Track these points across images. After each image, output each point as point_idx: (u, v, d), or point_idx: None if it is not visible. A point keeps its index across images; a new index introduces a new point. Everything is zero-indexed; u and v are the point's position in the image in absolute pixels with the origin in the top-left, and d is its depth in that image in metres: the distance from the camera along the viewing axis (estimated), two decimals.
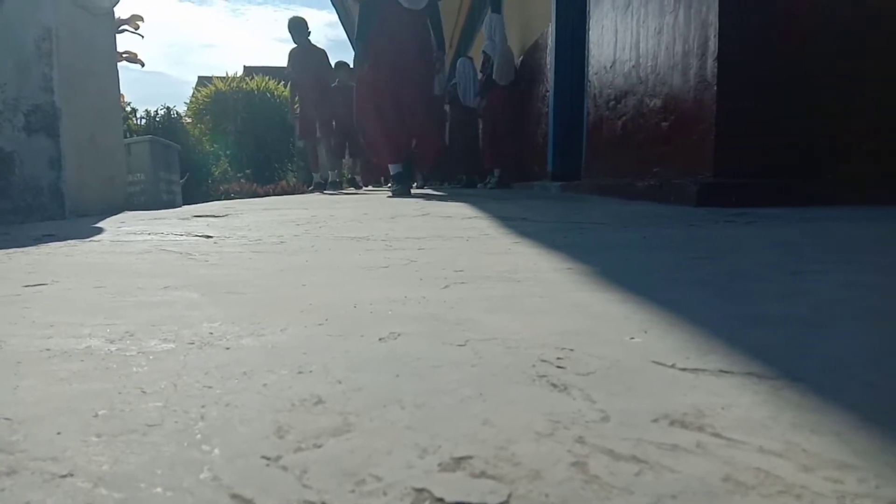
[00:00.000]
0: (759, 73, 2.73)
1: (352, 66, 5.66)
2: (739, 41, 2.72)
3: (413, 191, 5.52)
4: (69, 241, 1.89)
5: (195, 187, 5.92)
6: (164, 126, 6.00)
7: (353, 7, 11.19)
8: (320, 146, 8.13)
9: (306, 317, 0.88)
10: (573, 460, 0.44)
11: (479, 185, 7.79)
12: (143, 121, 6.01)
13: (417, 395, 0.57)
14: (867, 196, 2.55)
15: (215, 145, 7.99)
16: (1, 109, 3.02)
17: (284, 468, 0.44)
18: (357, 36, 5.00)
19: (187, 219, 2.67)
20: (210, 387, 0.60)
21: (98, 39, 3.57)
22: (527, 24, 7.06)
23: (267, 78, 8.87)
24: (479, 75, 7.41)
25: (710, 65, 2.76)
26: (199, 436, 0.49)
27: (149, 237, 1.99)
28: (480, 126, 8.02)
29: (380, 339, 0.76)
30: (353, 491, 0.41)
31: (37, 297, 1.06)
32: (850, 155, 2.75)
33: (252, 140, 8.19)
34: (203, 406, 0.55)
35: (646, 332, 0.77)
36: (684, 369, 0.63)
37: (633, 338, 0.74)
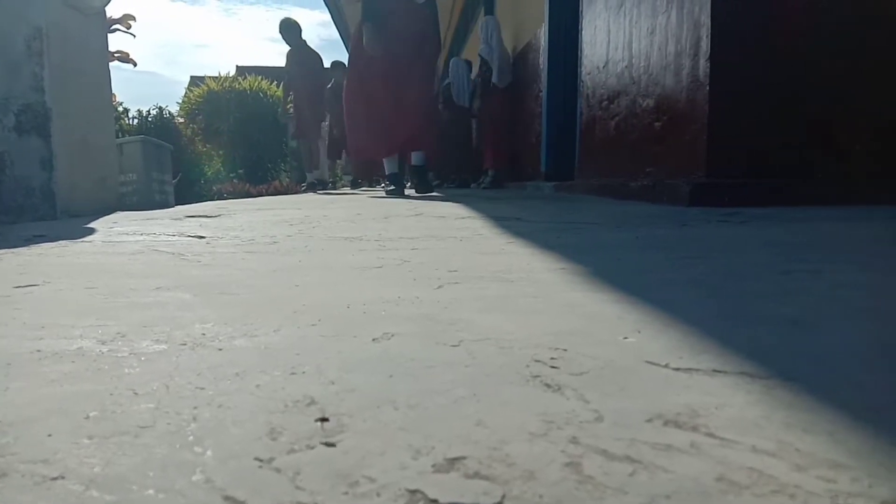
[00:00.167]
0: (751, 74, 2.74)
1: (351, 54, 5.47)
2: (731, 41, 2.72)
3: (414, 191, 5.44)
4: (60, 242, 1.88)
5: (188, 187, 5.90)
6: (156, 126, 5.97)
7: (347, 6, 11.19)
8: (315, 146, 8.13)
9: (299, 317, 0.87)
10: (567, 461, 0.44)
11: (472, 186, 7.80)
12: (136, 121, 5.98)
13: (411, 396, 0.57)
14: (859, 196, 2.57)
15: (208, 145, 7.96)
16: None
17: (277, 470, 0.43)
18: (364, 16, 4.77)
19: (180, 219, 2.66)
20: (202, 388, 0.60)
21: (89, 39, 3.56)
22: (520, 25, 7.07)
23: (260, 78, 8.84)
24: (477, 78, 7.42)
25: (703, 65, 2.77)
26: (191, 437, 0.49)
27: (141, 238, 1.98)
28: (475, 126, 8.03)
29: (373, 340, 0.76)
30: (346, 493, 0.40)
31: (28, 298, 1.05)
32: (842, 155, 2.76)
33: (245, 140, 8.17)
34: (195, 407, 0.55)
35: (639, 331, 0.77)
36: (678, 369, 0.63)
37: (626, 338, 0.74)
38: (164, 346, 0.74)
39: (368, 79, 4.83)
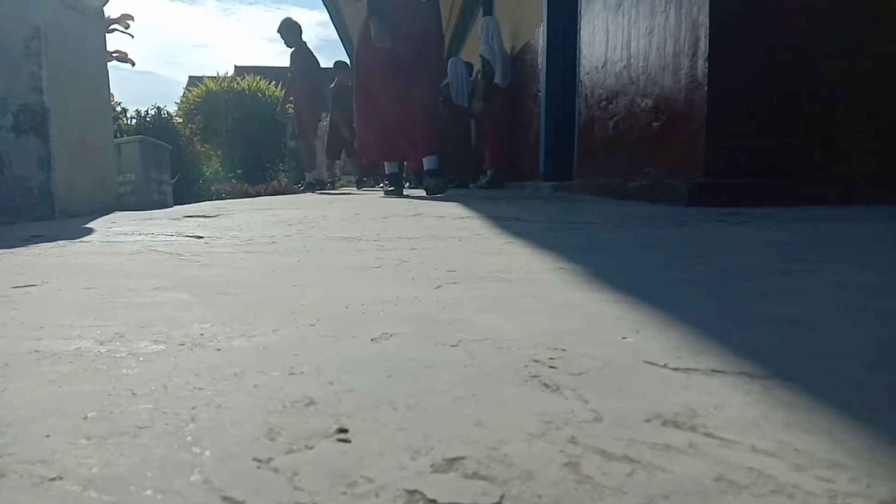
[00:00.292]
0: (749, 74, 2.74)
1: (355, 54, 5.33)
2: (730, 42, 2.73)
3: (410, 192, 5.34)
4: (59, 242, 1.88)
5: (186, 187, 5.90)
6: (154, 126, 5.97)
7: (346, 6, 11.18)
8: (314, 146, 8.16)
9: (298, 317, 0.87)
10: (566, 461, 0.44)
11: (470, 185, 7.80)
12: (134, 121, 5.98)
13: (410, 396, 0.57)
14: (858, 196, 2.57)
15: (206, 145, 7.96)
16: None
17: (276, 470, 0.43)
18: (370, 10, 4.68)
19: (178, 219, 2.66)
20: (201, 388, 0.60)
21: (88, 39, 3.55)
22: (518, 25, 7.07)
23: (258, 78, 8.83)
24: (479, 78, 7.43)
25: (701, 65, 2.77)
26: (189, 438, 0.49)
27: (139, 238, 1.98)
28: (473, 126, 8.03)
29: (372, 340, 0.76)
30: (344, 493, 0.40)
31: (26, 299, 1.05)
32: (842, 155, 2.76)
33: (243, 140, 8.16)
34: (194, 408, 0.55)
35: (638, 332, 0.77)
36: (676, 369, 0.63)
37: (625, 338, 0.74)
38: (162, 347, 0.74)
39: (371, 79, 4.76)
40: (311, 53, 7.81)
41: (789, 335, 0.75)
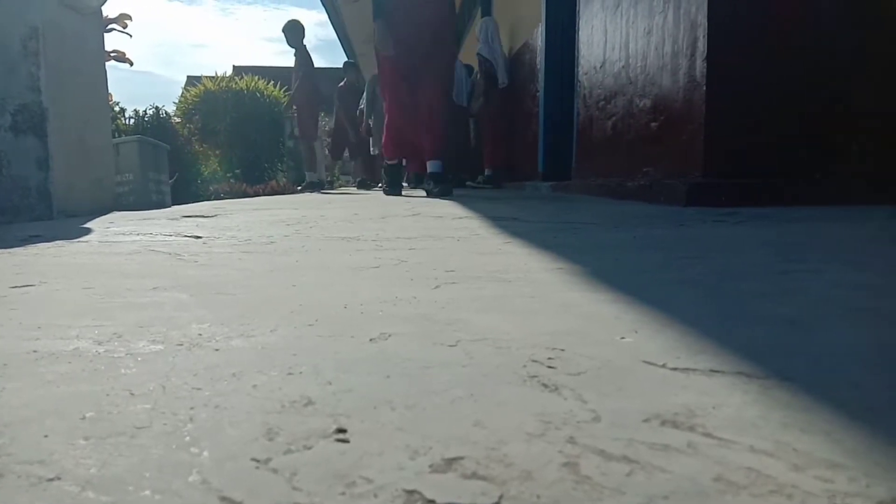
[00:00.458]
0: (748, 74, 2.74)
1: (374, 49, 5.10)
2: (728, 42, 2.73)
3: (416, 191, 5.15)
4: (57, 242, 1.88)
5: (184, 187, 5.89)
6: (153, 126, 5.96)
7: (345, 6, 11.18)
8: (313, 146, 8.21)
9: (296, 317, 0.87)
10: (564, 461, 0.44)
11: (468, 185, 7.81)
12: (132, 121, 5.97)
13: (408, 396, 0.57)
14: (857, 196, 2.57)
15: (205, 145, 7.95)
16: None
17: (274, 470, 0.43)
18: (374, 13, 4.51)
19: (176, 219, 2.66)
20: (199, 388, 0.60)
21: (86, 38, 3.55)
22: (517, 25, 7.08)
23: (256, 78, 8.83)
24: (478, 78, 7.44)
25: (700, 65, 2.78)
26: (187, 438, 0.49)
27: (137, 238, 1.98)
28: (472, 126, 8.04)
29: (370, 340, 0.75)
30: (343, 493, 0.40)
31: (24, 299, 1.05)
32: (840, 155, 2.76)
33: (242, 140, 8.16)
34: (192, 408, 0.55)
35: (636, 332, 0.77)
36: (675, 369, 0.63)
37: (623, 338, 0.75)
38: (160, 347, 0.74)
39: (390, 74, 4.62)
40: (309, 55, 7.89)
41: (787, 335, 0.75)
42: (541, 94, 5.87)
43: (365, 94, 9.22)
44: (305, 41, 7.79)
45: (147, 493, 0.41)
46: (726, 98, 2.73)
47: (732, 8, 2.73)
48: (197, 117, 8.19)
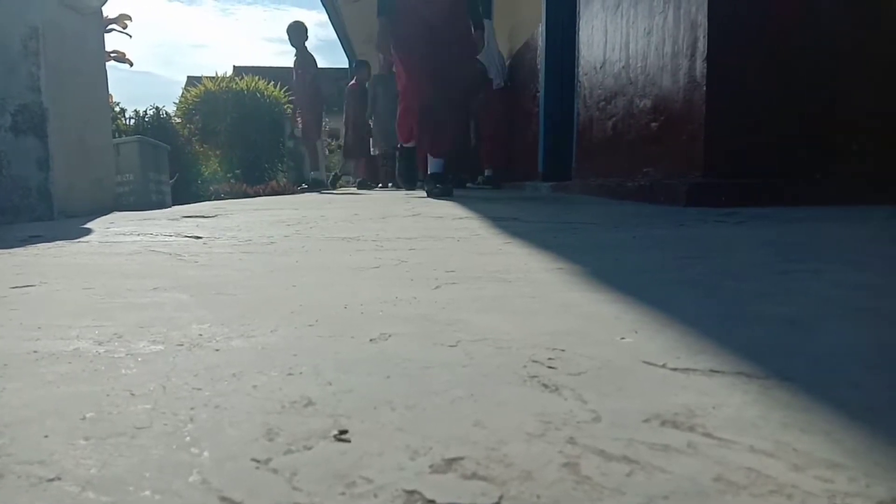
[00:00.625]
0: (747, 74, 2.74)
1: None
2: (728, 42, 2.73)
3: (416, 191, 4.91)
4: (57, 242, 1.88)
5: (185, 187, 5.88)
6: (153, 126, 5.95)
7: (345, 6, 11.18)
8: (314, 147, 8.26)
9: (297, 318, 0.87)
10: (564, 461, 0.44)
11: (468, 185, 7.81)
12: (132, 121, 5.96)
13: (408, 397, 0.57)
14: (857, 196, 2.57)
15: (205, 145, 7.94)
16: None
17: (274, 471, 0.43)
18: (379, 10, 4.36)
19: (177, 219, 2.66)
20: (199, 389, 0.60)
21: (86, 39, 3.55)
22: (517, 25, 7.08)
23: (257, 78, 8.81)
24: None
25: (700, 65, 2.78)
26: (188, 438, 0.49)
27: (138, 238, 1.98)
28: (472, 126, 8.05)
29: (371, 340, 0.75)
30: (343, 493, 0.40)
31: (24, 299, 1.05)
32: (840, 155, 2.76)
33: (242, 140, 8.14)
34: (192, 408, 0.55)
35: (636, 332, 0.77)
36: (675, 369, 0.63)
37: (623, 338, 0.75)
38: (160, 347, 0.74)
39: (406, 59, 4.42)
40: (310, 55, 7.95)
41: (787, 335, 0.75)
42: (541, 94, 5.87)
43: (368, 94, 9.27)
44: (308, 42, 7.85)
45: (147, 493, 0.41)
46: (726, 98, 2.73)
47: (732, 8, 2.73)
48: (197, 117, 8.18)
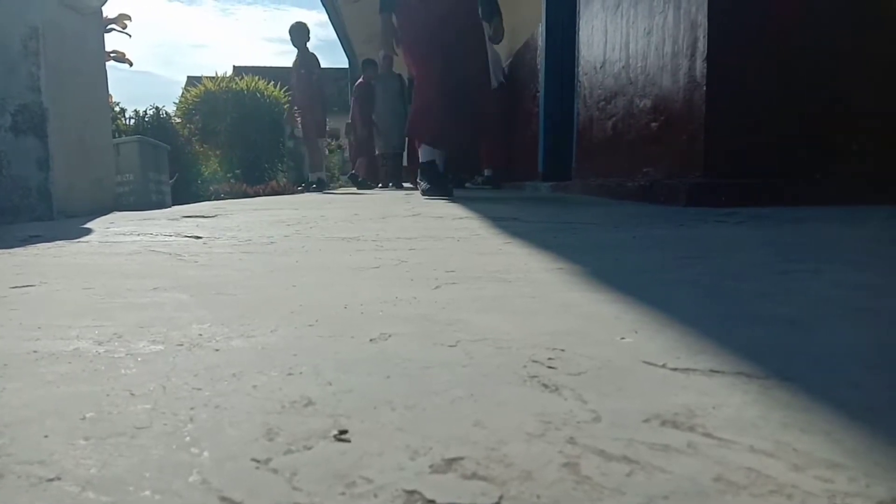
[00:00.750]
0: (748, 74, 2.74)
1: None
2: (728, 42, 2.73)
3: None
4: (57, 242, 1.88)
5: (185, 187, 5.88)
6: (153, 126, 5.95)
7: (345, 6, 11.18)
8: (314, 147, 8.27)
9: (296, 318, 0.87)
10: (564, 461, 0.44)
11: (466, 185, 7.81)
12: (132, 121, 5.96)
13: (408, 397, 0.57)
14: (857, 196, 2.57)
15: (205, 145, 7.94)
16: None
17: (274, 471, 0.43)
18: (381, 5, 4.27)
19: (177, 219, 2.66)
20: (199, 389, 0.60)
21: (86, 39, 3.55)
22: (517, 25, 7.08)
23: (257, 78, 8.81)
24: None
25: (700, 65, 2.78)
26: (188, 438, 0.49)
27: (138, 238, 1.98)
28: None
29: (371, 340, 0.75)
30: (343, 493, 0.40)
31: (24, 299, 1.05)
32: (840, 155, 2.76)
33: (242, 140, 8.14)
34: (192, 408, 0.55)
35: (636, 332, 0.77)
36: (675, 369, 0.63)
37: (623, 338, 0.74)
38: (160, 347, 0.74)
39: (416, 53, 4.25)
40: (312, 55, 7.96)
41: (787, 335, 0.75)
42: (541, 94, 5.87)
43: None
44: (308, 43, 7.86)
45: (147, 493, 0.41)
46: (726, 98, 2.73)
47: (732, 8, 2.73)
48: (197, 117, 8.18)
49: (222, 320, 0.87)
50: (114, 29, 4.80)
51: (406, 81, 8.61)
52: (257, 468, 0.44)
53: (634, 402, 0.54)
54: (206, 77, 8.54)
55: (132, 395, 0.58)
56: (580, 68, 4.67)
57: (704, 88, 2.74)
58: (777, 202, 2.56)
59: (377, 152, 9.73)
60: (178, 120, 7.87)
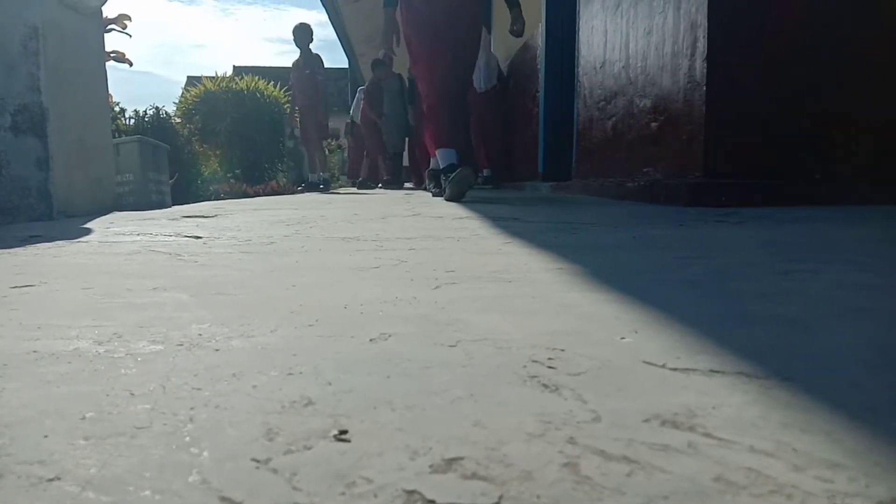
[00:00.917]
0: (747, 74, 2.74)
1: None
2: (728, 42, 2.73)
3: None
4: (57, 242, 1.88)
5: (185, 187, 5.88)
6: (153, 126, 5.95)
7: (345, 6, 11.18)
8: (313, 148, 8.28)
9: (296, 318, 0.87)
10: (564, 461, 0.44)
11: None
12: (132, 121, 5.96)
13: (408, 397, 0.57)
14: (857, 196, 2.57)
15: (205, 145, 7.94)
16: None
17: (274, 471, 0.43)
18: (385, 1, 4.15)
19: (176, 219, 2.66)
20: (199, 389, 0.60)
21: (86, 39, 3.55)
22: (509, 29, 7.08)
23: (257, 78, 8.81)
24: None
25: (700, 65, 2.78)
26: (187, 438, 0.49)
27: (137, 238, 1.98)
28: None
29: (370, 340, 0.75)
30: (343, 493, 0.40)
31: (24, 299, 1.05)
32: (840, 155, 2.76)
33: (242, 140, 8.15)
34: (192, 408, 0.55)
35: (636, 332, 0.77)
36: (675, 369, 0.63)
37: (623, 338, 0.74)
38: (160, 347, 0.74)
39: (423, 50, 4.07)
40: (317, 56, 7.95)
41: (787, 335, 0.75)
42: (541, 94, 5.87)
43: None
44: (311, 44, 7.86)
45: (147, 493, 0.41)
46: (726, 98, 2.73)
47: (732, 8, 2.73)
48: (197, 117, 8.18)
49: (222, 320, 0.87)
50: (114, 29, 4.80)
51: (406, 81, 8.59)
52: (257, 468, 0.44)
53: (634, 402, 0.54)
54: (206, 77, 8.54)
55: (132, 395, 0.58)
56: (580, 68, 4.67)
57: (704, 88, 2.74)
58: (777, 202, 2.56)
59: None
60: (178, 120, 7.88)
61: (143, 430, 0.50)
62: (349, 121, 11.11)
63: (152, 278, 1.22)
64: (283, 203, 4.10)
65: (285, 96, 8.51)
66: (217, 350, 0.72)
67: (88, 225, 2.50)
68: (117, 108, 5.72)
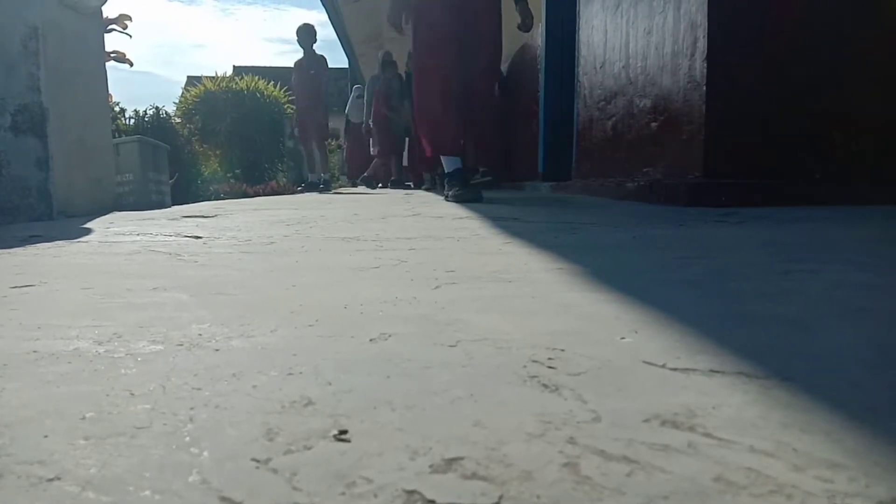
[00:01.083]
0: (747, 74, 2.74)
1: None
2: (728, 42, 2.73)
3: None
4: (57, 242, 1.88)
5: (185, 187, 5.89)
6: (153, 126, 5.96)
7: (345, 6, 11.18)
8: (312, 148, 8.27)
9: (296, 318, 0.87)
10: (564, 461, 0.44)
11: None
12: (132, 121, 5.96)
13: (408, 397, 0.57)
14: (856, 196, 2.57)
15: (205, 145, 7.95)
16: None
17: (274, 471, 0.43)
18: None
19: (176, 219, 2.66)
20: (199, 389, 0.60)
21: (86, 39, 3.55)
22: (517, 24, 7.07)
23: (257, 78, 8.82)
24: None
25: (700, 65, 2.78)
26: (187, 438, 0.49)
27: (137, 238, 1.98)
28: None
29: (370, 340, 0.75)
30: (343, 493, 0.40)
31: (24, 299, 1.05)
32: (840, 155, 2.76)
33: (242, 140, 8.16)
34: (192, 408, 0.55)
35: (636, 332, 0.77)
36: (675, 369, 0.63)
37: (623, 338, 0.74)
38: (160, 347, 0.74)
39: (430, 40, 3.84)
40: (321, 57, 7.94)
41: (787, 335, 0.75)
42: (541, 94, 5.87)
43: (365, 95, 9.22)
44: (314, 45, 7.84)
45: (147, 493, 0.41)
46: (726, 98, 2.73)
47: (732, 8, 2.73)
48: (197, 117, 8.19)
49: (222, 320, 0.87)
50: (114, 29, 4.80)
51: (403, 77, 8.57)
52: (257, 468, 0.44)
53: (634, 402, 0.54)
54: (206, 77, 8.54)
55: (132, 395, 0.58)
56: (580, 68, 4.67)
57: (704, 88, 2.74)
58: (777, 202, 2.56)
59: (375, 152, 9.71)
60: (178, 120, 7.89)
61: (143, 430, 0.50)
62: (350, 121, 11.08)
63: (152, 278, 1.22)
64: (283, 203, 4.10)
65: (285, 96, 8.51)
66: (217, 350, 0.72)
67: (88, 225, 2.50)
68: (117, 108, 5.72)
